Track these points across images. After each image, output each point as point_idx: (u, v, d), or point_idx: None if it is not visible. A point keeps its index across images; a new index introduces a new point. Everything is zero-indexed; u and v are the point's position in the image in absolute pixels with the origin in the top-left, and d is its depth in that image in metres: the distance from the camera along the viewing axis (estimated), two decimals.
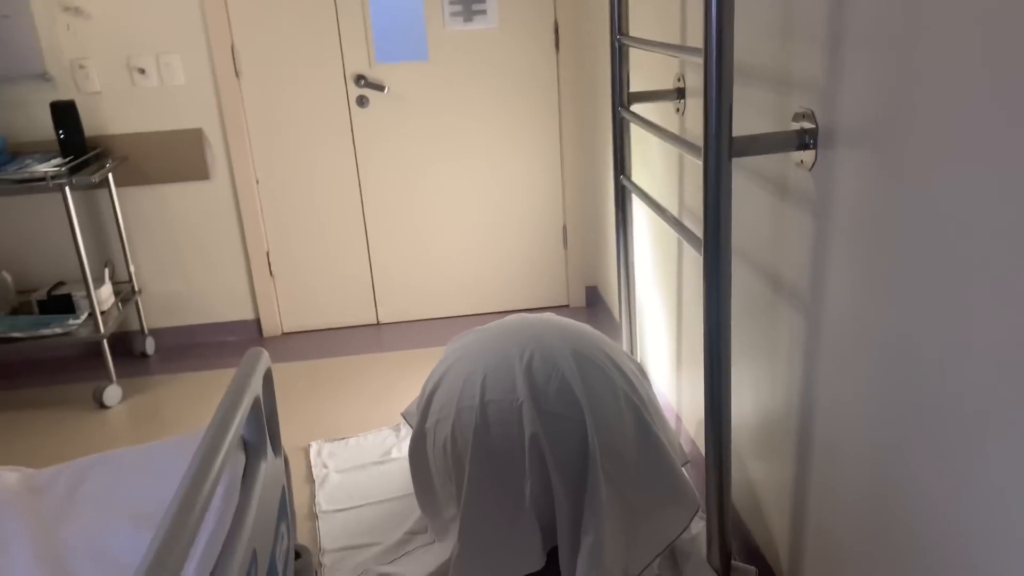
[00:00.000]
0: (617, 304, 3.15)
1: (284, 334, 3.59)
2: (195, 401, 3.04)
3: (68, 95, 3.15)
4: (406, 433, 2.67)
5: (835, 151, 1.35)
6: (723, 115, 1.41)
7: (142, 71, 3.16)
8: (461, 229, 3.55)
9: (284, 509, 1.41)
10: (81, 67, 3.14)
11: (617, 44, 2.22)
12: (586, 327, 2.07)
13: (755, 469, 1.87)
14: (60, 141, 3.03)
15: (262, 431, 1.32)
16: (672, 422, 2.49)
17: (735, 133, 1.42)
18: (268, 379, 1.42)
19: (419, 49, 3.31)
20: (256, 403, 1.28)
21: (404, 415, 2.21)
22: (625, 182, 2.32)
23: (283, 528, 1.37)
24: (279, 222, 3.45)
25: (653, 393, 2.03)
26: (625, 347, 2.50)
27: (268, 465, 1.32)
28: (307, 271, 3.54)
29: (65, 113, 3.02)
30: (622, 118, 2.26)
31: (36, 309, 3.14)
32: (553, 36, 3.34)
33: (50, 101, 3.02)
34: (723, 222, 1.48)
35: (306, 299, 3.58)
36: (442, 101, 3.37)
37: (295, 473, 2.52)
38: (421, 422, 1.97)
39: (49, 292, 3.16)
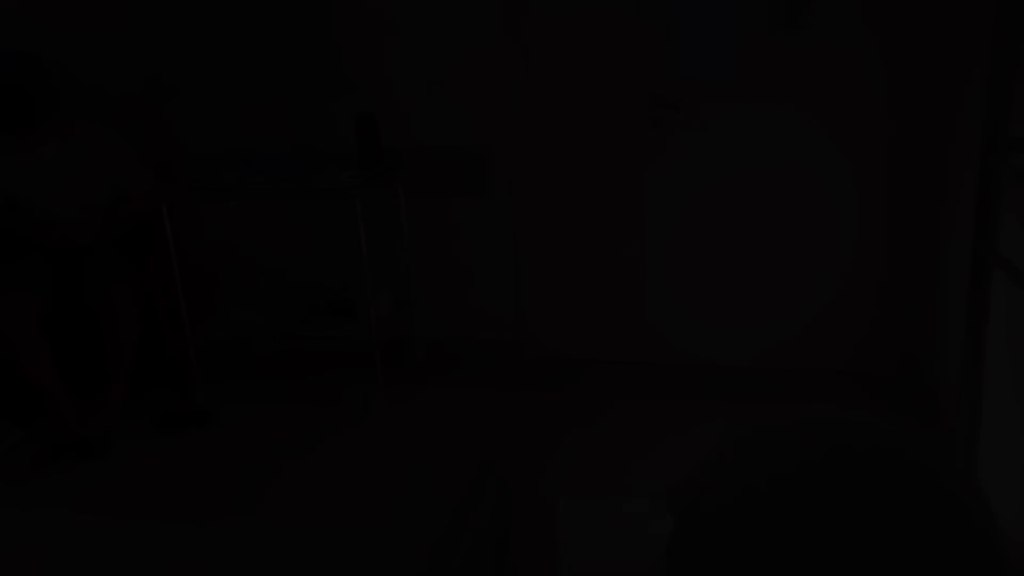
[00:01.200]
0: (942, 379, 2.54)
1: (546, 359, 3.42)
2: (452, 421, 2.99)
3: (371, 107, 3.22)
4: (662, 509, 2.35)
5: None
6: None
7: (437, 84, 3.14)
8: (755, 267, 3.11)
9: None
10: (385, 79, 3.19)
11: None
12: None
13: None
14: (360, 151, 3.10)
15: None
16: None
17: None
18: (502, 509, 1.17)
19: (724, 64, 2.92)
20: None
21: (663, 498, 1.88)
22: (986, 253, 1.77)
23: None
24: (554, 244, 3.28)
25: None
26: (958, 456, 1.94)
27: None
28: (576, 297, 3.32)
29: (366, 124, 3.09)
30: (995, 168, 1.72)
31: (323, 310, 3.27)
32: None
33: (355, 112, 3.10)
34: None
35: (572, 326, 3.37)
36: (745, 123, 2.96)
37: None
38: (681, 527, 1.64)
39: (336, 295, 3.28)
